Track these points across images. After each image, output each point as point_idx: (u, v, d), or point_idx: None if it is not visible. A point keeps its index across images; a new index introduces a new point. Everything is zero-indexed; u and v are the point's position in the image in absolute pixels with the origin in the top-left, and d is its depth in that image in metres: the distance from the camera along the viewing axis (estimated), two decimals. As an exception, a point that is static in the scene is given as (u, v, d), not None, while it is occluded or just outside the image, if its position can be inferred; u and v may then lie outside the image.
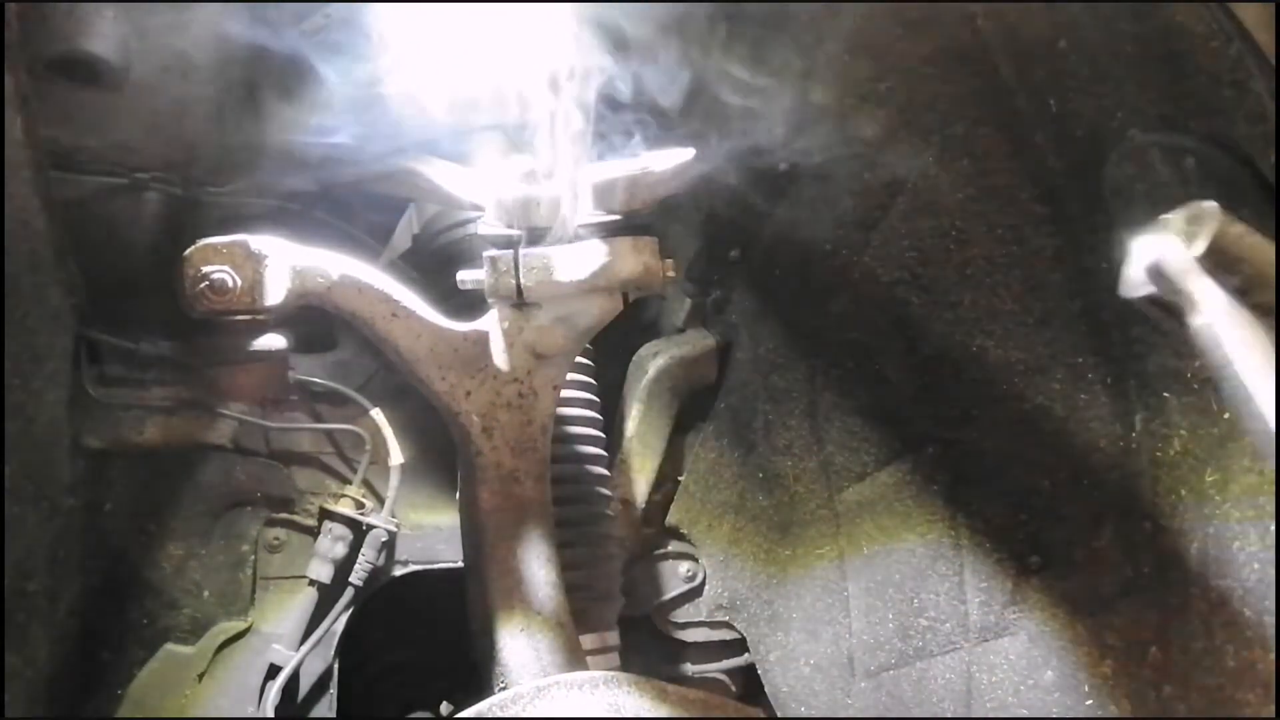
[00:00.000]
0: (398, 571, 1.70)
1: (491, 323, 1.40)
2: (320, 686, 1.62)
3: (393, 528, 1.66)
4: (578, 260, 1.31)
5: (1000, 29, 1.31)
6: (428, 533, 1.73)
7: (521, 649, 1.31)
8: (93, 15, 1.33)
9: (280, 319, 1.43)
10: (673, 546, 1.84)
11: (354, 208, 1.78)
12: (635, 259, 1.30)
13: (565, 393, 1.52)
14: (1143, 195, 1.21)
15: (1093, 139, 1.25)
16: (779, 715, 1.75)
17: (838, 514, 1.78)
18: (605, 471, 1.61)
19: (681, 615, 1.82)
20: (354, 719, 1.69)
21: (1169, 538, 1.28)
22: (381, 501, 1.68)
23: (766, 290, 1.89)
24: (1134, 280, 1.08)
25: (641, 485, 1.87)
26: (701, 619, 1.82)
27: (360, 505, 1.66)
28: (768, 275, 1.88)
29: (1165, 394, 1.26)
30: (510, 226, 1.35)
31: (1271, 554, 1.12)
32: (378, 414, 1.68)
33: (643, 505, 1.85)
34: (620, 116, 1.48)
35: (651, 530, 1.86)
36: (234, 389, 1.54)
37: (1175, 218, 1.04)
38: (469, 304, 1.44)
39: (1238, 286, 0.99)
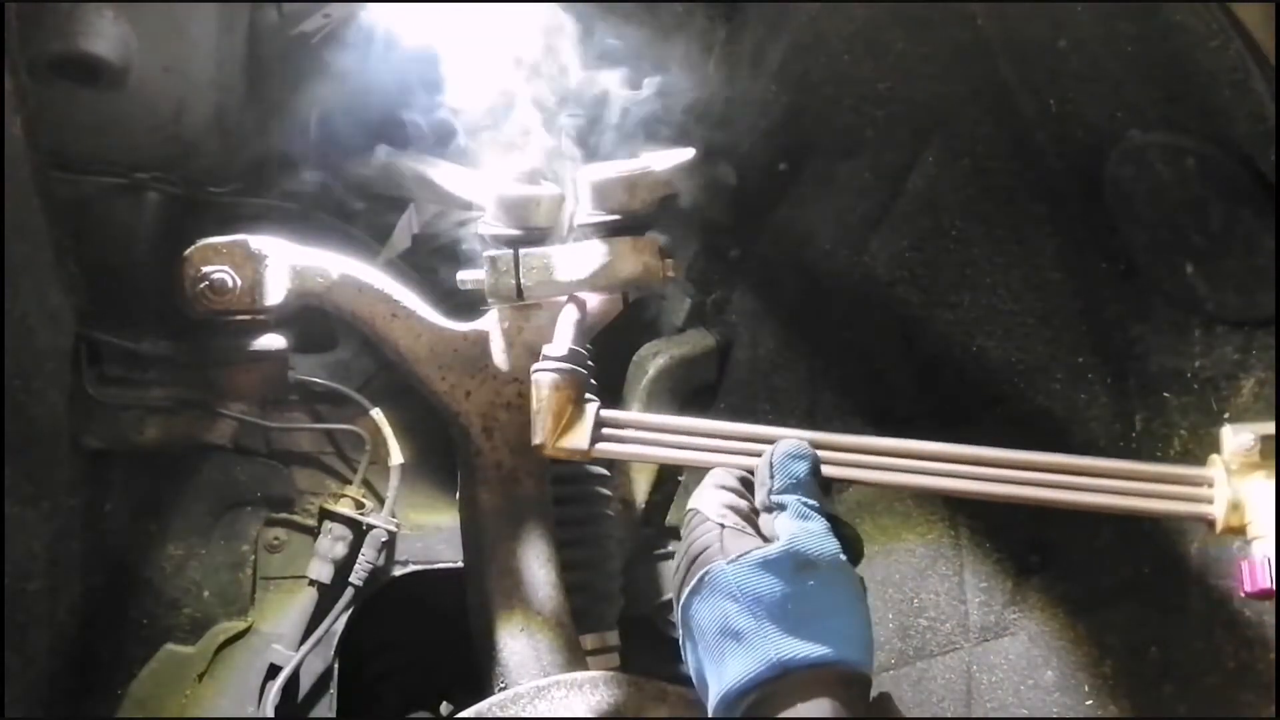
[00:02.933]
0: (398, 571, 1.70)
1: (491, 323, 1.40)
2: (320, 686, 1.62)
3: (393, 528, 1.66)
4: (578, 260, 1.30)
5: (1000, 29, 1.31)
6: (428, 533, 1.73)
7: (521, 649, 1.31)
8: (93, 15, 1.33)
9: (280, 319, 1.43)
10: (673, 546, 1.84)
11: (354, 208, 1.78)
12: (635, 259, 1.30)
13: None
14: (1143, 195, 1.21)
15: (1093, 139, 1.25)
16: (779, 715, 1.75)
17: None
18: (605, 471, 1.61)
19: (682, 615, 1.82)
20: (354, 719, 1.69)
21: (1169, 538, 1.28)
22: (381, 501, 1.67)
23: (766, 290, 1.89)
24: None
25: (641, 485, 1.87)
26: (702, 619, 1.81)
27: (360, 505, 1.66)
28: (768, 275, 1.88)
29: (1165, 394, 1.25)
30: (510, 226, 1.35)
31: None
32: (378, 414, 1.68)
33: (643, 505, 1.85)
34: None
35: (651, 530, 1.86)
36: (234, 389, 1.54)
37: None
38: (469, 304, 1.44)
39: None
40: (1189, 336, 1.22)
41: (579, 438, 1.09)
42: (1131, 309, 1.29)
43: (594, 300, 1.34)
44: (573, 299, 1.28)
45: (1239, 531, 0.91)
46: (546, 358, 1.15)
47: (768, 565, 0.89)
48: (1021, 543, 1.48)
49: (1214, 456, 0.95)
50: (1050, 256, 1.38)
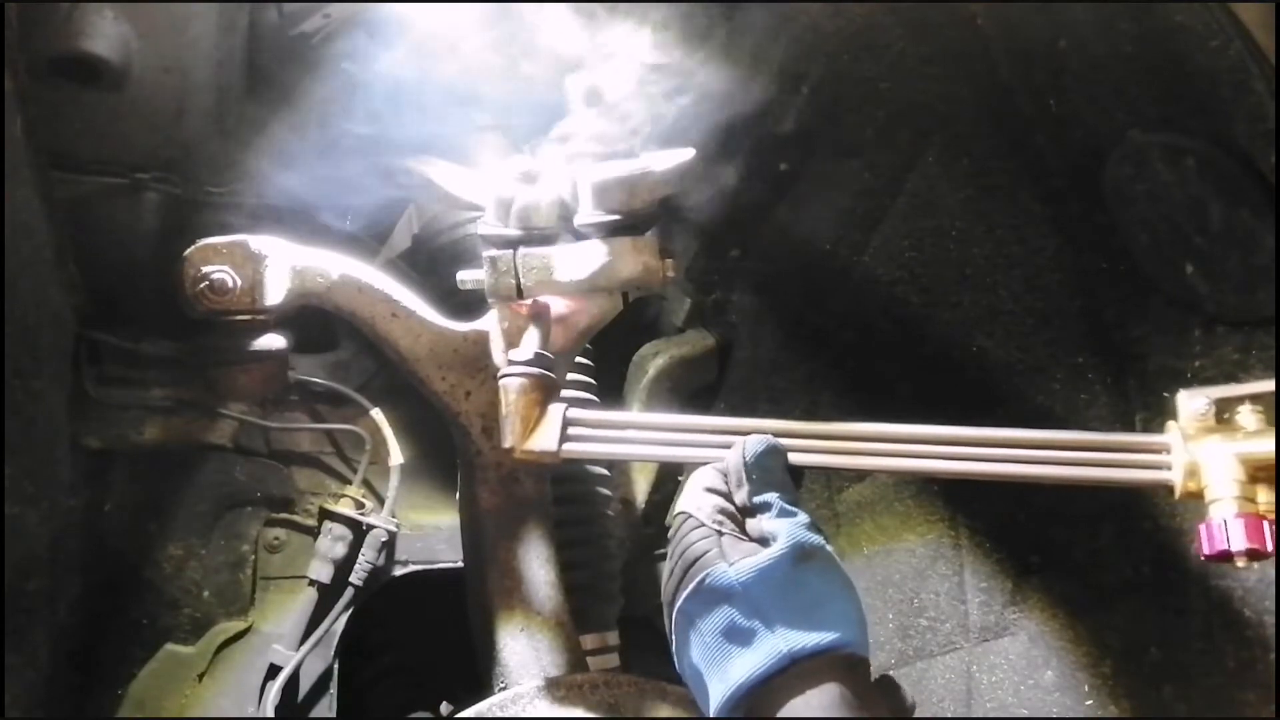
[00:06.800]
0: (398, 571, 1.70)
1: (491, 323, 1.40)
2: (320, 686, 1.62)
3: (393, 528, 1.66)
4: (578, 260, 1.30)
5: (1000, 29, 1.31)
6: (428, 533, 1.73)
7: (521, 649, 1.31)
8: (93, 15, 1.33)
9: (280, 319, 1.43)
10: (672, 547, 1.83)
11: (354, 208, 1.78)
12: (635, 259, 1.30)
13: (565, 392, 1.51)
14: (1143, 195, 1.21)
15: (1093, 139, 1.25)
16: (779, 715, 1.75)
17: (838, 514, 1.78)
18: (605, 471, 1.61)
19: (681, 615, 1.81)
20: (354, 719, 1.69)
21: (1169, 538, 1.28)
22: (381, 501, 1.67)
23: (766, 290, 1.89)
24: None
25: (641, 485, 1.86)
26: (701, 619, 1.81)
27: (360, 505, 1.66)
28: (768, 275, 1.88)
29: (1165, 394, 1.26)
30: (510, 227, 1.35)
31: (1271, 554, 1.12)
32: (378, 414, 1.68)
33: (643, 505, 1.85)
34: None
35: (651, 530, 1.86)
36: (234, 389, 1.53)
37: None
38: (469, 304, 1.44)
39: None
40: (1189, 336, 1.22)
41: (547, 439, 1.10)
42: (1131, 309, 1.29)
43: (592, 301, 1.34)
44: (536, 304, 1.29)
45: (1197, 496, 0.90)
46: (512, 362, 1.16)
47: (772, 565, 0.89)
48: (1021, 543, 1.49)
49: (1170, 423, 0.94)
50: (1050, 256, 1.38)
